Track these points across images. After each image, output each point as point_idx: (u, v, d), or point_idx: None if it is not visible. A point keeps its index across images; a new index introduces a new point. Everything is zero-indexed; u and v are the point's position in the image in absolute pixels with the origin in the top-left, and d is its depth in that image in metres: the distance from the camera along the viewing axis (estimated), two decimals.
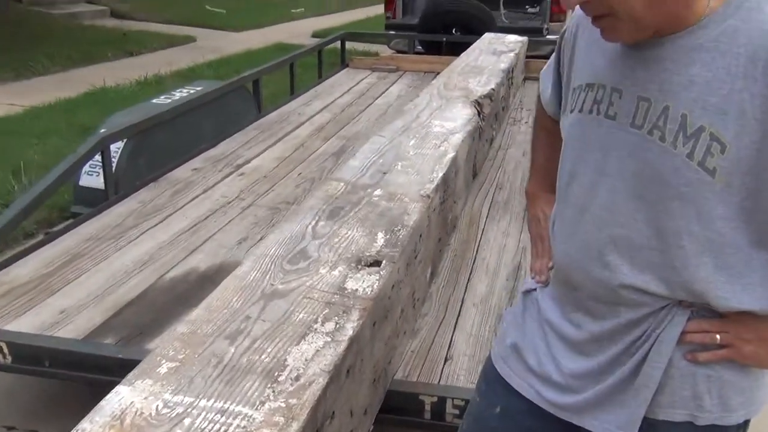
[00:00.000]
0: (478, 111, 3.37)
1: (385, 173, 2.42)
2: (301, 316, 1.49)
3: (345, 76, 5.94)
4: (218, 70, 8.08)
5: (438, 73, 5.56)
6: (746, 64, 0.92)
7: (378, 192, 2.23)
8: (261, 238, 2.74)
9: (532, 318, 1.26)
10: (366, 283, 1.65)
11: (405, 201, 2.18)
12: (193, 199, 3.20)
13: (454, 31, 6.36)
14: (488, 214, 3.14)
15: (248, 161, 3.72)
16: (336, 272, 1.69)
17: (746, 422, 1.12)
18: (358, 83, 5.71)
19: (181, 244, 2.75)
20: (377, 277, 1.69)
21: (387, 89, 5.51)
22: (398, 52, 7.45)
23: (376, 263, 1.76)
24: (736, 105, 0.93)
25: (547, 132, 1.39)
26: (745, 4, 0.95)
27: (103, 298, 2.34)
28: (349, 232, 1.93)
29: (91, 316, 2.24)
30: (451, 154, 2.63)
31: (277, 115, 4.63)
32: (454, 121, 3.09)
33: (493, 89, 3.74)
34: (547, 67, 1.36)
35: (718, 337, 1.05)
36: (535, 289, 1.29)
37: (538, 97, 1.41)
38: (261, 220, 2.99)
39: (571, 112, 1.14)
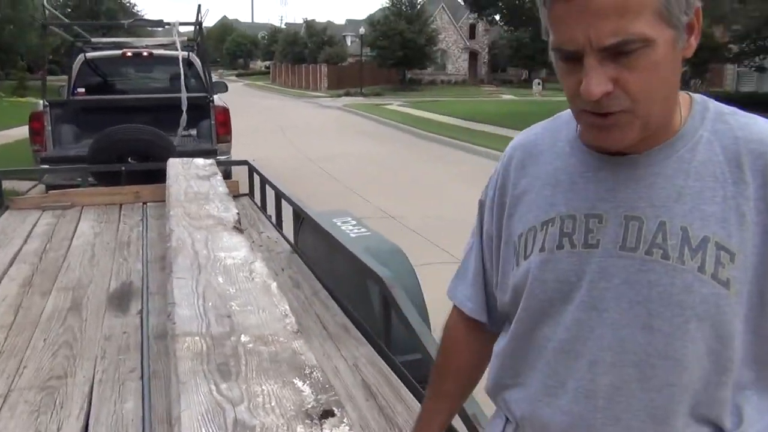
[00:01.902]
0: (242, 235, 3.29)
1: (228, 316, 2.21)
2: None
3: (11, 221, 5.14)
4: None
5: (121, 205, 5.26)
6: (732, 170, 0.95)
7: (244, 338, 2.04)
8: None
9: None
10: None
11: (282, 341, 2.03)
12: None
13: (129, 160, 6.04)
14: None
15: None
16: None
17: None
18: (34, 226, 4.99)
19: None
20: (347, 425, 1.55)
21: (76, 228, 4.93)
22: (50, 187, 6.73)
23: (329, 413, 1.61)
24: (734, 211, 0.94)
25: (450, 376, 1.27)
26: (707, 114, 1.01)
27: None
28: (264, 388, 1.73)
29: None
30: (273, 284, 2.54)
31: None
32: (238, 250, 2.96)
33: (237, 213, 3.70)
34: (460, 271, 1.26)
35: None
36: None
37: (449, 322, 1.29)
38: (40, 407, 2.40)
39: (527, 257, 1.06)
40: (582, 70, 0.88)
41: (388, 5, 49.01)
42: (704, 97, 1.03)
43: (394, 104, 33.01)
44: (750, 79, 23.24)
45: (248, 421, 1.57)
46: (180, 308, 2.27)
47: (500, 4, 22.60)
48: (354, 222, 3.74)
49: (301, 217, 4.23)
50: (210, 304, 2.31)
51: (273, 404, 1.65)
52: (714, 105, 1.01)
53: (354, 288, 3.13)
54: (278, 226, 4.95)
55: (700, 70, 25.01)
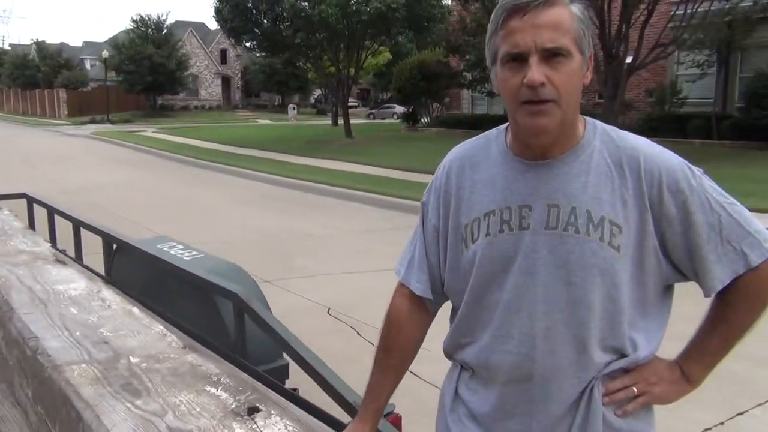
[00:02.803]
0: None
1: (105, 342, 2.20)
2: None
3: None
4: None
5: None
6: (615, 170, 1.31)
7: (134, 359, 2.06)
8: None
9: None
10: (283, 422, 1.67)
11: (174, 357, 2.09)
12: None
13: None
14: None
15: None
16: (245, 428, 1.64)
17: None
18: None
19: None
20: (277, 416, 1.71)
21: None
22: None
23: (254, 409, 1.76)
24: (620, 198, 1.30)
25: (397, 350, 1.51)
26: (597, 131, 1.36)
27: None
28: (181, 399, 1.81)
29: None
30: (133, 308, 2.54)
31: None
32: (75, 282, 2.87)
33: (51, 245, 3.52)
34: (406, 259, 1.51)
35: (635, 389, 1.34)
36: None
37: (397, 306, 1.52)
38: None
39: (474, 241, 1.37)
40: (525, 69, 1.22)
41: (132, 27, 46.79)
42: (593, 119, 1.38)
43: (149, 131, 31.71)
44: (482, 103, 26.39)
45: (182, 427, 1.65)
46: (46, 341, 2.20)
47: (257, 31, 22.93)
48: (181, 246, 3.74)
49: (112, 247, 4.10)
50: (78, 333, 2.26)
51: (198, 410, 1.74)
52: (600, 124, 1.38)
53: (196, 309, 3.18)
54: (78, 259, 4.70)
55: (440, 95, 27.82)
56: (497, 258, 1.33)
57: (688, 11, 14.62)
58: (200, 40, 57.84)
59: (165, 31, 48.41)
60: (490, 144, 1.41)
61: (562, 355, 1.30)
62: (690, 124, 17.89)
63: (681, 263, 1.32)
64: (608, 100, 15.23)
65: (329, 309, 5.34)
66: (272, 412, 1.74)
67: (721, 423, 3.54)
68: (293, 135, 27.11)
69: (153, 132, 31.11)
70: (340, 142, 22.77)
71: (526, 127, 1.28)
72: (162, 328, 2.37)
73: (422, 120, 28.65)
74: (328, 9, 19.52)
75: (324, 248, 8.07)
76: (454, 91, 27.89)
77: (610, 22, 14.76)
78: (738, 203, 1.34)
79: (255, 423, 1.68)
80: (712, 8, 14.86)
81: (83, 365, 2.02)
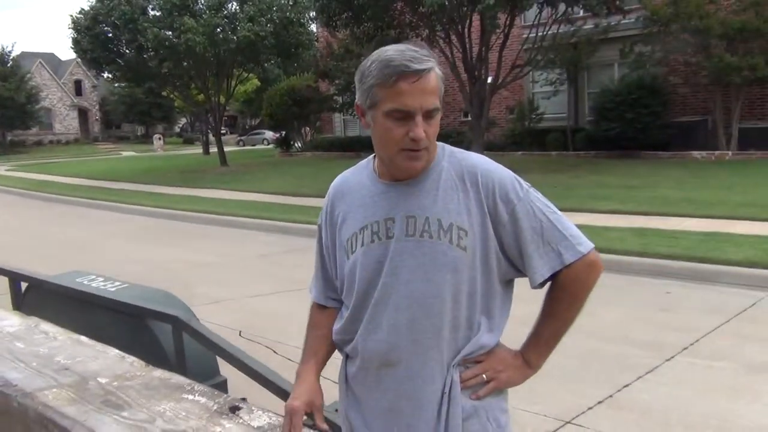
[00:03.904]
0: None
1: (66, 369, 2.29)
2: None
3: None
4: None
5: None
6: (460, 184, 1.57)
7: (102, 380, 2.18)
8: None
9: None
10: (266, 415, 1.88)
11: (141, 374, 2.23)
12: None
13: None
14: None
15: None
16: (234, 423, 1.83)
17: None
18: None
19: None
20: (260, 410, 1.91)
21: None
22: None
23: (236, 408, 1.95)
24: (465, 207, 1.55)
25: (320, 329, 1.76)
26: (445, 153, 1.62)
27: None
28: (164, 407, 1.96)
29: None
30: (81, 337, 2.62)
31: None
32: (7, 319, 2.89)
33: None
34: (313, 279, 1.80)
35: (484, 376, 1.58)
36: None
37: (311, 311, 1.80)
38: None
39: (353, 252, 1.62)
40: (409, 124, 1.49)
41: None
42: (443, 143, 1.63)
43: (1, 169, 29.63)
44: (354, 125, 27.00)
45: (176, 428, 1.82)
46: (6, 374, 2.25)
47: (119, 61, 22.20)
48: (101, 278, 3.75)
49: (19, 286, 4.03)
50: (35, 364, 2.33)
51: (184, 414, 1.91)
52: (448, 147, 1.64)
53: (128, 337, 3.24)
54: None
55: (311, 119, 28.16)
56: (371, 264, 1.59)
57: (539, 34, 15.93)
58: (51, 72, 54.76)
59: (10, 62, 45.49)
60: (362, 172, 1.71)
61: (422, 342, 1.55)
62: (548, 138, 19.34)
63: (515, 260, 1.58)
64: (475, 119, 16.19)
65: (240, 332, 5.44)
66: (253, 407, 1.94)
67: (610, 396, 4.06)
68: (165, 166, 26.38)
69: (6, 170, 29.13)
70: (216, 170, 22.46)
71: (404, 168, 1.55)
72: (118, 351, 2.48)
73: (295, 144, 28.85)
74: (195, 38, 19.32)
75: (221, 275, 8.09)
76: (325, 114, 28.33)
77: (471, 46, 15.78)
78: (559, 212, 1.60)
79: (241, 418, 1.89)
80: (559, 31, 16.26)
81: (54, 389, 2.12)
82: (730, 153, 15.95)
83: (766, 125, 16.37)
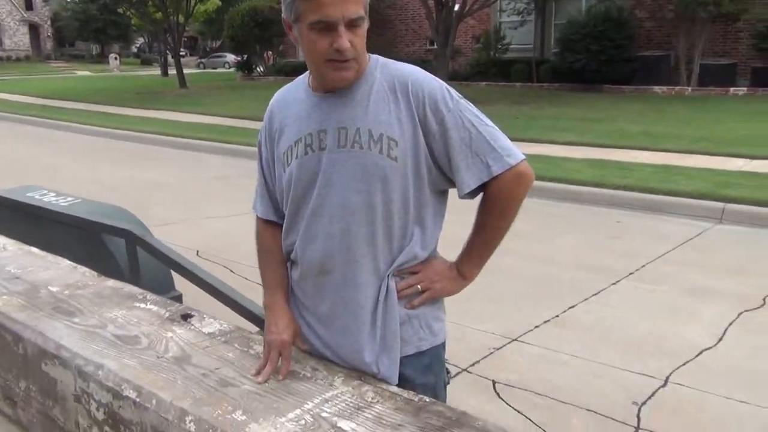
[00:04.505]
0: None
1: (17, 278, 2.29)
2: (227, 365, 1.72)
3: None
4: None
5: None
6: (391, 95, 1.57)
7: (53, 288, 2.19)
8: None
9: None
10: (218, 322, 1.91)
11: (92, 284, 2.23)
12: None
13: None
14: None
15: None
16: (185, 329, 1.86)
17: (445, 341, 1.72)
18: None
19: None
20: (211, 318, 1.95)
21: None
22: None
23: (188, 315, 1.98)
24: (396, 118, 1.55)
25: (273, 253, 1.76)
26: (378, 64, 1.61)
27: None
28: (116, 314, 1.99)
29: None
30: (32, 248, 2.60)
31: None
32: None
33: None
34: (256, 193, 1.81)
35: (419, 286, 1.63)
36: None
37: (257, 229, 1.81)
38: None
39: (289, 164, 1.63)
40: (332, 35, 1.47)
41: None
42: (377, 55, 1.63)
43: None
44: None
45: (128, 334, 1.85)
46: None
47: None
48: (53, 193, 3.68)
49: None
50: None
51: (136, 321, 1.94)
52: (381, 59, 1.63)
53: (82, 253, 3.21)
54: None
55: (274, 42, 27.41)
56: (305, 175, 1.61)
57: None
58: None
59: None
60: (299, 87, 1.70)
61: (356, 250, 1.58)
62: (513, 69, 19.24)
63: (445, 170, 1.58)
64: (440, 47, 15.99)
65: (198, 252, 5.45)
66: (204, 317, 1.98)
67: (557, 315, 4.22)
68: (121, 86, 25.59)
69: None
70: (174, 92, 21.88)
71: (332, 79, 1.55)
72: (70, 262, 2.47)
73: (257, 69, 28.17)
74: None
75: (177, 197, 8.02)
76: (288, 38, 27.57)
77: None
78: (490, 124, 1.59)
79: (192, 325, 1.92)
80: None
81: (4, 297, 2.12)
82: (689, 88, 16.14)
83: (727, 62, 16.54)
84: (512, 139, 1.62)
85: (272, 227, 1.77)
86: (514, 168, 1.56)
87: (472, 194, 1.59)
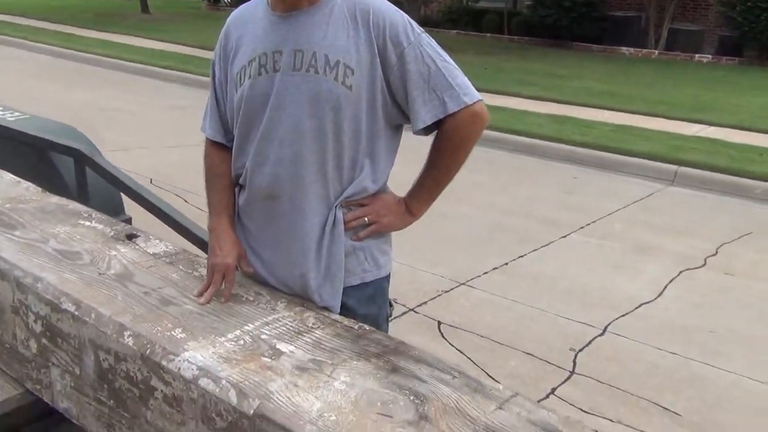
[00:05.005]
0: None
1: None
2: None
3: None
4: None
5: None
6: (351, 22, 1.53)
7: (22, 206, 2.13)
8: None
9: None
10: (163, 244, 1.90)
11: (36, 199, 2.18)
12: None
13: None
14: None
15: None
16: (130, 249, 1.84)
17: (389, 274, 1.72)
18: None
19: None
20: (156, 239, 1.93)
21: None
22: None
23: (133, 236, 1.95)
24: (354, 45, 1.52)
25: (220, 177, 1.73)
26: None
27: None
28: (59, 230, 1.95)
29: None
30: None
31: None
32: None
33: None
34: (205, 114, 1.76)
35: (366, 219, 1.62)
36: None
37: (206, 151, 1.77)
38: None
39: (242, 84, 1.58)
40: None
41: None
42: None
43: None
44: None
45: (70, 249, 1.82)
46: None
47: None
48: (0, 107, 3.54)
49: None
50: None
51: (79, 237, 1.91)
52: None
53: (27, 171, 3.12)
54: None
55: None
56: (257, 97, 1.57)
57: None
58: None
59: None
60: (258, 5, 1.65)
61: (305, 176, 1.56)
62: (485, 19, 19.03)
63: (401, 104, 1.56)
64: None
65: (151, 179, 5.36)
66: (151, 236, 1.96)
67: (506, 263, 4.31)
68: (80, 5, 24.43)
69: None
70: (136, 16, 21.05)
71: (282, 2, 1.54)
72: (12, 176, 2.40)
73: None
74: None
75: (133, 123, 7.81)
76: None
77: None
78: (450, 61, 1.57)
79: (137, 245, 1.90)
80: None
81: None
82: (656, 52, 16.23)
83: (696, 29, 16.64)
84: (478, 90, 1.60)
85: (221, 150, 1.74)
86: (470, 107, 1.55)
87: (426, 130, 1.58)
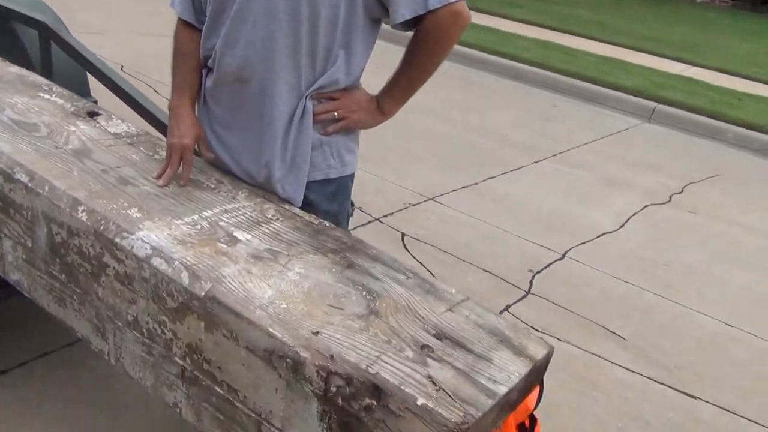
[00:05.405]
0: None
1: None
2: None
3: None
4: None
5: None
6: None
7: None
8: None
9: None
10: (125, 124, 1.84)
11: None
12: None
13: None
14: None
15: None
16: (90, 126, 1.78)
17: (354, 173, 1.70)
18: None
19: None
20: (119, 119, 1.87)
21: None
22: None
23: (95, 113, 1.89)
24: None
25: (188, 57, 1.67)
26: None
27: None
28: (17, 99, 1.88)
29: None
30: None
31: None
32: None
33: None
34: None
35: (336, 113, 1.58)
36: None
37: (176, 29, 1.70)
38: None
39: None
40: None
41: None
42: None
43: None
44: None
45: (27, 120, 1.75)
46: None
47: None
48: None
49: None
50: None
51: (37, 110, 1.84)
52: None
53: None
54: None
55: None
56: None
57: None
58: None
59: None
60: None
61: (276, 61, 1.50)
62: None
63: None
64: None
65: (122, 66, 5.18)
66: (113, 116, 1.90)
67: (475, 183, 4.32)
68: None
69: None
70: None
71: None
72: None
73: None
74: None
75: (107, 6, 7.49)
76: None
77: None
78: None
79: (98, 123, 1.84)
80: None
81: None
82: None
83: None
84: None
85: (191, 30, 1.66)
86: (451, 5, 1.47)
87: (404, 26, 1.50)
